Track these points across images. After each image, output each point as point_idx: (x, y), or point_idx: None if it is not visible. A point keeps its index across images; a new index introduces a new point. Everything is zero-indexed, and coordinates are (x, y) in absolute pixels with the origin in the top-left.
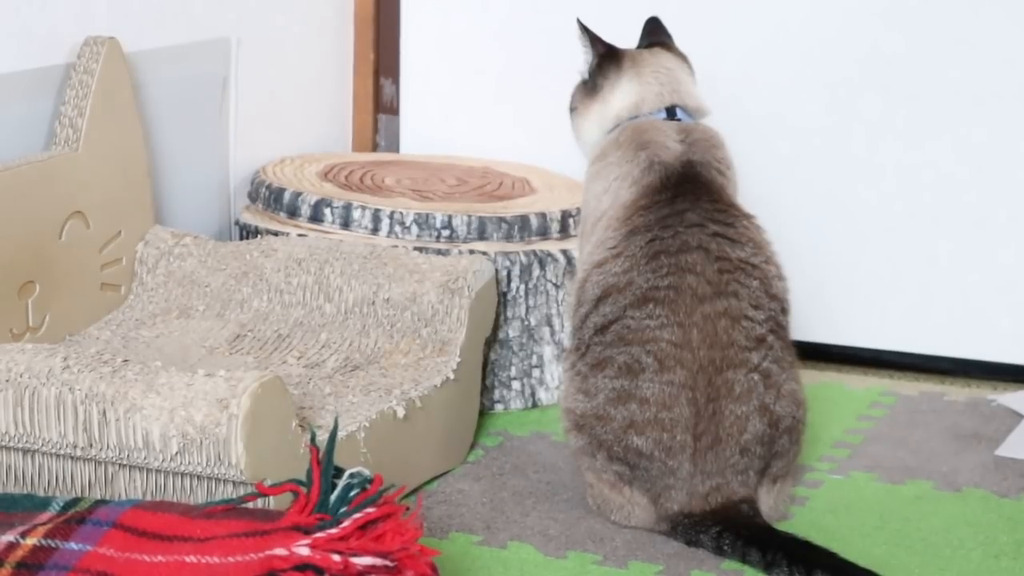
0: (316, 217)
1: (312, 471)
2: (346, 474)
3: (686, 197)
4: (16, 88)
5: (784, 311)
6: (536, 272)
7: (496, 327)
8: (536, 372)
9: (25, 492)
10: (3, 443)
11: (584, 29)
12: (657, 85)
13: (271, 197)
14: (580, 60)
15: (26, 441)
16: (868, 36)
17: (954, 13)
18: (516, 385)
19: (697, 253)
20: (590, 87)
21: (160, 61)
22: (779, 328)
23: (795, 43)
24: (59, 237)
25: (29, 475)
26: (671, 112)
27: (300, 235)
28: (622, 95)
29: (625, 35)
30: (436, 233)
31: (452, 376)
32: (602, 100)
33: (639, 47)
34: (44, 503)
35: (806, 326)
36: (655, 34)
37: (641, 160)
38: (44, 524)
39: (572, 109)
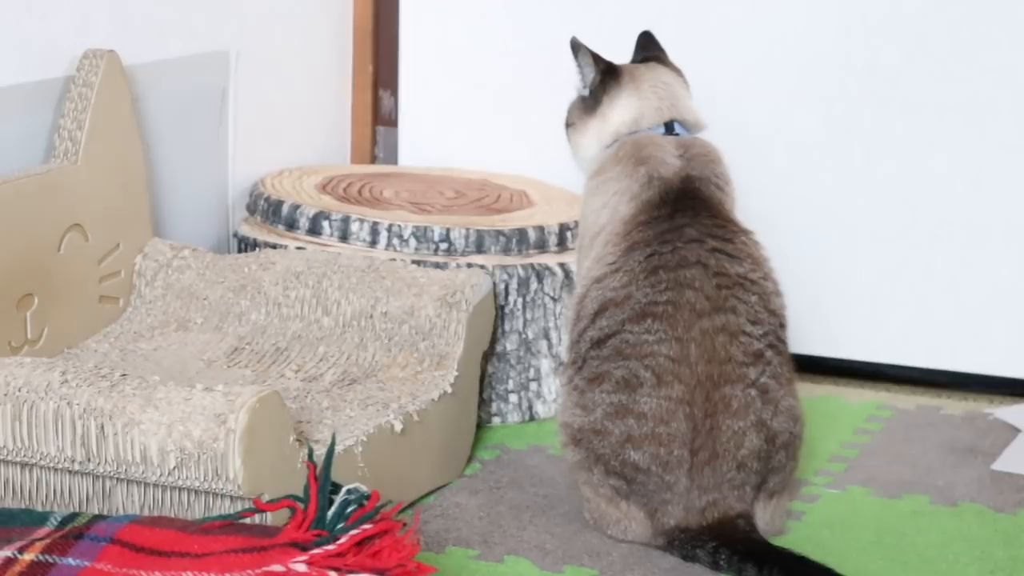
0: (314, 230)
1: (309, 487)
2: (343, 490)
3: (685, 212)
4: (15, 101)
5: (782, 326)
6: (534, 285)
7: (494, 340)
8: (533, 385)
9: (23, 506)
10: (1, 457)
11: (581, 47)
12: (656, 100)
13: (269, 209)
14: (576, 75)
15: (24, 455)
16: (865, 50)
17: (951, 27)
18: (513, 398)
19: (696, 268)
20: (590, 103)
21: (159, 74)
22: (777, 343)
23: (792, 57)
24: (58, 250)
25: (27, 489)
26: (669, 127)
27: (298, 248)
28: (621, 110)
29: (621, 50)
30: (434, 246)
31: (450, 390)
32: (601, 116)
33: (633, 61)
34: (42, 518)
35: (804, 339)
36: (649, 48)
37: (640, 175)
38: (42, 539)
39: (569, 125)
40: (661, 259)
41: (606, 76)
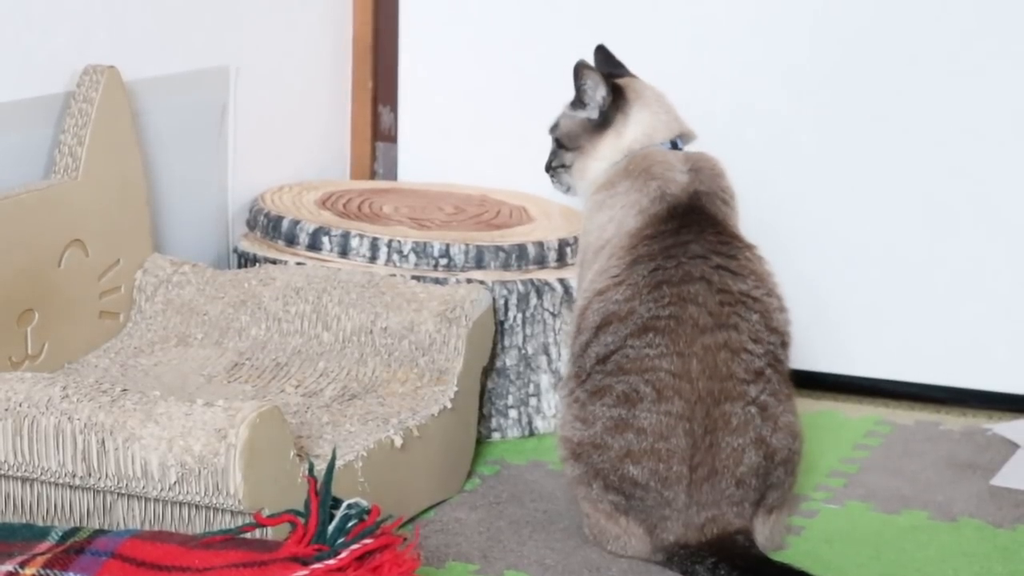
0: (314, 245)
1: (310, 501)
2: (344, 504)
3: (691, 228)
4: (16, 116)
5: (784, 344)
6: (533, 301)
7: (493, 356)
8: (533, 400)
9: (24, 521)
10: (2, 472)
11: (588, 69)
12: (665, 114)
13: (269, 225)
14: (575, 98)
15: (25, 470)
16: (865, 68)
17: (951, 44)
18: (513, 413)
19: (699, 284)
20: (598, 123)
21: (159, 89)
22: (777, 362)
23: (792, 74)
24: (58, 265)
25: (28, 504)
26: (673, 141)
27: (298, 263)
28: (635, 126)
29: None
30: (434, 262)
31: (449, 405)
32: (616, 132)
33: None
34: (43, 532)
35: (803, 354)
36: (611, 63)
37: (651, 190)
38: (43, 554)
39: (574, 148)
40: (665, 274)
41: (617, 94)
